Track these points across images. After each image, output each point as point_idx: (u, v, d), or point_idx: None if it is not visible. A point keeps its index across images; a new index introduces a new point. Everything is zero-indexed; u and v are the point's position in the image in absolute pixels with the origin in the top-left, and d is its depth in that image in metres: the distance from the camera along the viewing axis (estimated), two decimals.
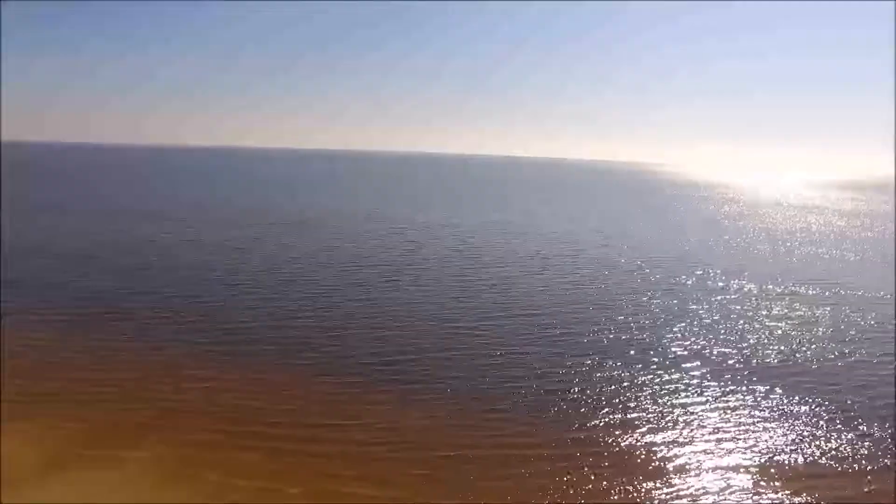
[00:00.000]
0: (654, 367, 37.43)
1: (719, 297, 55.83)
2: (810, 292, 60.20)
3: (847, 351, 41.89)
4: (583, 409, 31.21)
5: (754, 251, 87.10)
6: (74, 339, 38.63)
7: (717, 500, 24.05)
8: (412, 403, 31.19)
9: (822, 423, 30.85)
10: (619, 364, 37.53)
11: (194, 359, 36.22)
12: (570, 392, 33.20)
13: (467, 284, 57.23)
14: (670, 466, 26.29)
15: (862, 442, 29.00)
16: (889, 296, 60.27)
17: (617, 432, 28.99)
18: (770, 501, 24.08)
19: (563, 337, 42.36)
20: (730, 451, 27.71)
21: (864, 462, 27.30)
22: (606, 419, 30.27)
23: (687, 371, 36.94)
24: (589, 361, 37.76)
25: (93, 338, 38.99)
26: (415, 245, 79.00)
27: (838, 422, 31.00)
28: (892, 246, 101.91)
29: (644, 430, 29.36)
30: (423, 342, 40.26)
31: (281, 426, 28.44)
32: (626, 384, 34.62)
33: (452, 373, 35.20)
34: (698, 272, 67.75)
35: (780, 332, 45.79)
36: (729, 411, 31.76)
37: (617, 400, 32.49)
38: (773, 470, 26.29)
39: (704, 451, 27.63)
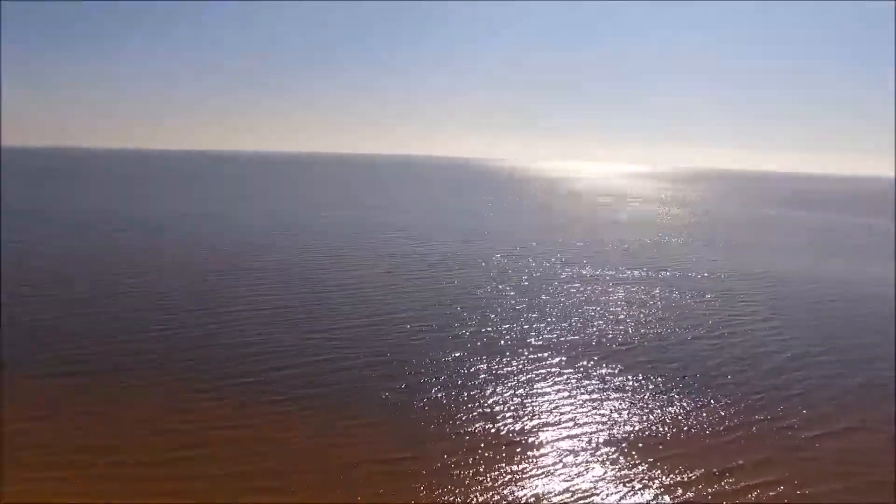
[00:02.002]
0: (513, 358, 38.19)
1: (566, 287, 58.51)
2: (643, 275, 64.95)
3: (680, 328, 45.44)
4: (449, 409, 31.01)
5: (594, 242, 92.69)
6: None
7: (579, 480, 24.80)
8: (277, 422, 29.20)
9: (663, 396, 33.07)
10: (480, 359, 37.86)
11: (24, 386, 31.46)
12: (433, 392, 32.90)
13: (317, 287, 55.17)
14: (534, 456, 26.78)
15: (700, 410, 31.45)
16: (714, 275, 66.57)
17: (484, 429, 29.08)
18: (625, 475, 25.22)
19: (421, 336, 42.06)
20: (587, 433, 28.82)
21: (700, 426, 29.58)
22: (472, 417, 30.29)
23: (543, 360, 38.07)
24: (450, 359, 37.74)
25: None
26: (263, 248, 75.20)
27: (676, 393, 33.39)
28: (713, 231, 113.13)
29: (508, 423, 29.73)
30: (280, 352, 38.13)
31: (139, 463, 25.34)
32: (488, 379, 34.95)
33: (314, 384, 33.60)
34: (545, 263, 70.72)
35: (621, 315, 48.75)
36: (584, 395, 33.11)
37: (481, 396, 32.68)
38: (625, 445, 27.65)
39: (565, 436, 28.53)
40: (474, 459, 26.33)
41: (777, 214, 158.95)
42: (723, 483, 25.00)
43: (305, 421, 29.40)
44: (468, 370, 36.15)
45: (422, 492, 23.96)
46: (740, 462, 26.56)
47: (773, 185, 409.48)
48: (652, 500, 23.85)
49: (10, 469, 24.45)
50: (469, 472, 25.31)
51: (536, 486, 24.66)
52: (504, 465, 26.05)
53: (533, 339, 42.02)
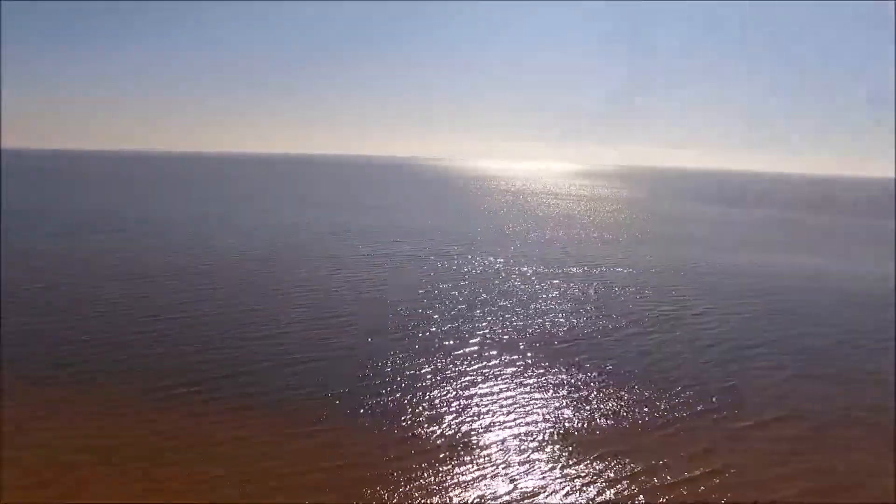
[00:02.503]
0: (456, 358, 37.86)
1: (505, 285, 58.60)
2: (579, 272, 65.83)
3: (617, 323, 46.11)
4: (394, 412, 30.44)
5: (528, 237, 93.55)
6: None
7: (524, 479, 24.65)
8: (232, 427, 28.20)
9: (604, 391, 33.38)
10: (424, 360, 37.35)
11: None
12: (378, 396, 32.24)
13: (262, 290, 53.46)
14: (481, 457, 26.52)
15: (640, 404, 31.84)
16: (647, 270, 68.04)
17: (429, 431, 28.67)
18: (570, 472, 25.23)
19: (367, 338, 41.20)
20: (531, 431, 28.79)
21: (641, 420, 29.99)
22: (418, 420, 29.81)
23: (486, 359, 37.87)
24: (395, 360, 37.09)
25: None
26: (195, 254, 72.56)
27: (616, 388, 33.79)
28: (646, 227, 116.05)
29: (454, 424, 29.39)
30: (224, 356, 36.96)
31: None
32: (433, 380, 34.50)
33: (265, 387, 32.70)
34: (483, 262, 70.79)
35: (560, 312, 49.12)
36: (526, 393, 33.10)
37: (426, 398, 32.20)
38: (569, 441, 27.73)
39: (509, 435, 28.40)
40: (420, 463, 25.84)
41: (707, 210, 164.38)
42: (665, 475, 25.27)
43: (259, 424, 28.36)
44: (413, 371, 35.56)
45: (369, 496, 23.30)
46: (681, 454, 26.94)
47: (716, 182, 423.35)
48: (597, 496, 23.87)
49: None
50: (415, 476, 24.79)
51: (484, 486, 24.37)
52: (450, 466, 25.66)
53: (475, 339, 41.75)
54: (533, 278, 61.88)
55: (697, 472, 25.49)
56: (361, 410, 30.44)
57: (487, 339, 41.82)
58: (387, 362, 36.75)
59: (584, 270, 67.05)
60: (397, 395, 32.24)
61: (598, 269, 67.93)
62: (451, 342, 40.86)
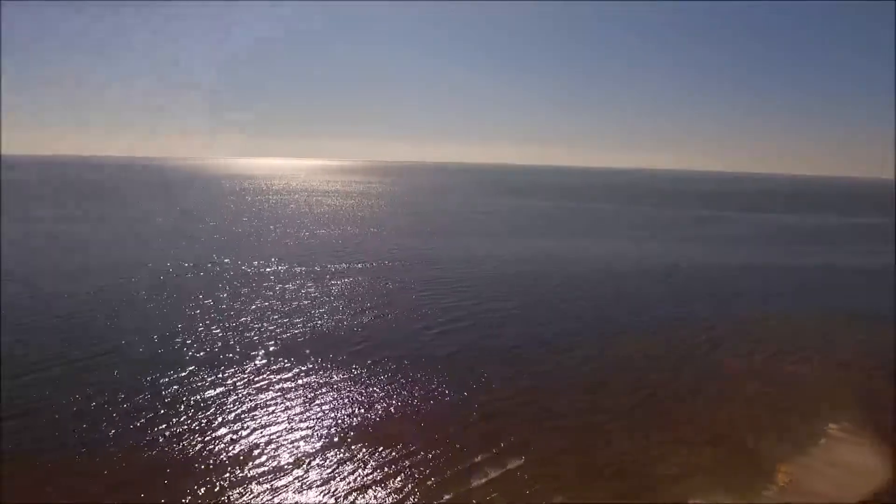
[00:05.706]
0: (241, 370, 33.82)
1: (283, 287, 54.60)
2: (360, 268, 64.04)
3: (407, 318, 45.15)
4: (179, 439, 26.15)
5: (300, 237, 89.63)
6: None
7: (332, 486, 22.44)
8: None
9: (405, 391, 31.93)
10: (207, 376, 32.84)
11: None
12: (163, 421, 27.64)
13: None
14: (263, 458, 24.32)
15: (444, 401, 30.90)
16: (432, 263, 68.20)
17: (217, 452, 25.02)
18: (381, 477, 23.44)
19: (140, 360, 35.10)
20: (322, 426, 27.25)
21: (447, 417, 28.96)
22: (207, 440, 25.82)
23: (273, 369, 34.41)
24: (173, 380, 32.09)
25: None
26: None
27: (418, 385, 32.54)
28: (425, 220, 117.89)
29: (245, 439, 26.08)
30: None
31: None
32: (218, 398, 30.26)
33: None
34: (253, 264, 65.85)
35: (345, 311, 46.86)
36: (311, 391, 31.05)
37: (211, 418, 28.07)
38: (376, 446, 25.94)
39: (293, 432, 26.68)
40: (213, 487, 22.48)
41: (492, 203, 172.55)
42: (464, 471, 24.43)
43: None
44: (194, 392, 30.91)
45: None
46: (502, 445, 26.26)
47: (503, 177, 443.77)
48: (395, 495, 22.51)
49: None
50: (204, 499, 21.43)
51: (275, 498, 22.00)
52: (244, 485, 22.88)
53: (260, 348, 37.65)
54: (309, 278, 58.53)
55: (497, 473, 24.43)
56: (146, 441, 25.88)
57: (272, 346, 38.13)
58: (162, 384, 31.53)
59: (364, 266, 65.56)
60: (181, 419, 27.78)
61: (379, 263, 66.85)
62: (234, 353, 36.47)
